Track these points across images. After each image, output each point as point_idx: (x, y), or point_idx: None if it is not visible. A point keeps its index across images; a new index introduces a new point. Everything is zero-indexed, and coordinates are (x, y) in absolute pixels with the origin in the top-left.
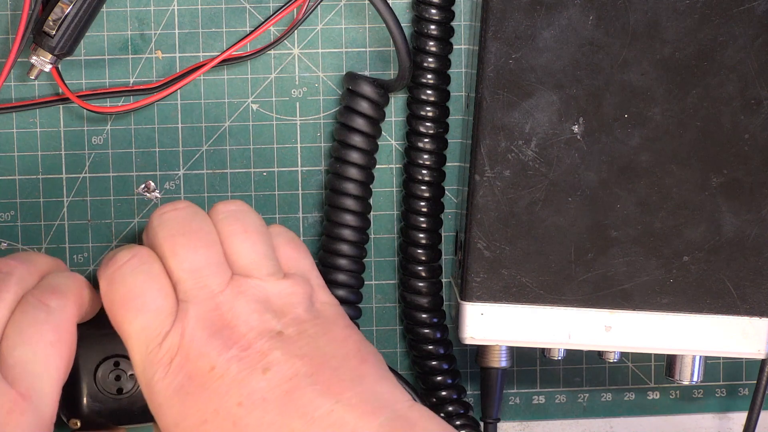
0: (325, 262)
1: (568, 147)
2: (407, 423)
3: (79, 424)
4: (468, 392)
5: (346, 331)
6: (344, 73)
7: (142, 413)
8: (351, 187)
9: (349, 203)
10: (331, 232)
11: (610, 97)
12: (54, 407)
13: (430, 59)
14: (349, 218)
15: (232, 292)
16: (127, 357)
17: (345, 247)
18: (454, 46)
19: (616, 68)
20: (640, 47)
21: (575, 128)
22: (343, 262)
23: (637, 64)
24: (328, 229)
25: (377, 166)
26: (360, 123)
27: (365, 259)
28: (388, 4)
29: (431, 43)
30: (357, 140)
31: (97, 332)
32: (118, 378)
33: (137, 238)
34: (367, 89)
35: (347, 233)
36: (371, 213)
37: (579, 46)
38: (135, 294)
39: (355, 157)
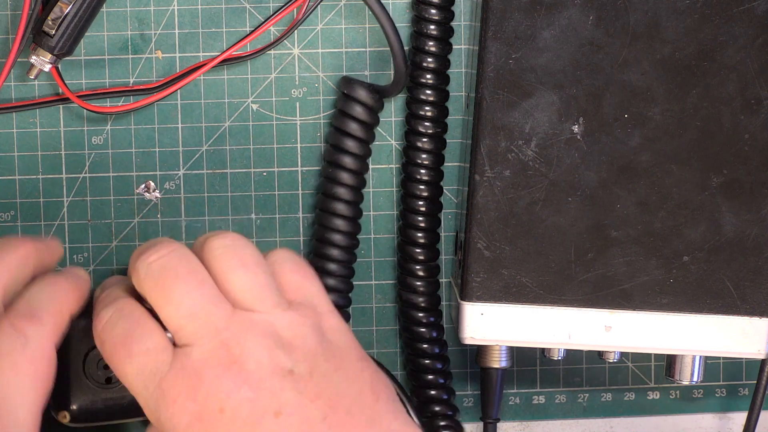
0: (315, 266)
1: (568, 147)
2: None
3: (68, 416)
4: (468, 392)
5: (359, 363)
6: (343, 73)
7: (132, 406)
8: (343, 192)
9: (341, 207)
10: (322, 236)
11: (610, 97)
12: None
13: (430, 59)
14: (340, 223)
15: (238, 328)
16: None
17: (335, 252)
18: (454, 46)
19: (616, 68)
20: (640, 47)
21: (575, 128)
22: (332, 266)
23: (637, 64)
24: (318, 232)
25: (377, 167)
26: (354, 128)
27: (364, 259)
28: (386, 11)
29: (431, 43)
30: (350, 145)
31: (85, 321)
32: (107, 367)
33: (137, 238)
34: (362, 94)
35: (338, 238)
36: (369, 213)
37: (579, 46)
38: (123, 342)
39: (347, 161)
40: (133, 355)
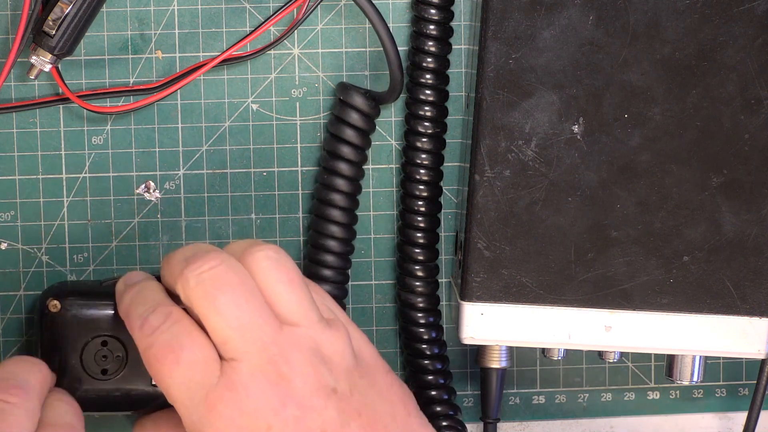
0: (309, 271)
1: (568, 147)
2: None
3: None
4: (468, 392)
5: (388, 377)
6: (343, 73)
7: (125, 398)
8: (338, 198)
9: (336, 214)
10: (316, 242)
11: (610, 97)
12: None
13: (429, 59)
14: (334, 229)
15: (285, 344)
16: (115, 337)
17: (330, 258)
18: (454, 47)
19: (616, 68)
20: (640, 47)
21: (575, 128)
22: (327, 272)
23: (637, 64)
24: (313, 238)
25: (377, 167)
26: (349, 134)
27: (364, 259)
28: (382, 17)
29: (430, 43)
30: (346, 151)
31: (86, 312)
32: (104, 358)
33: (137, 238)
34: (358, 100)
35: (332, 244)
36: (369, 213)
37: (579, 46)
38: (171, 349)
39: (343, 168)
40: (181, 363)
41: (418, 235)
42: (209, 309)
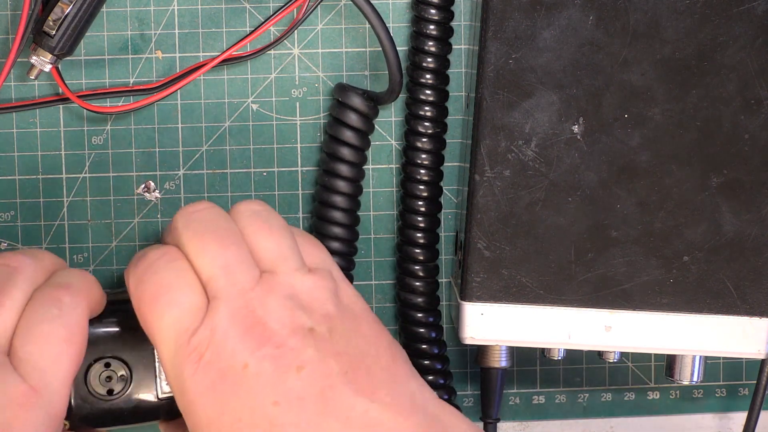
0: None
1: (568, 147)
2: (440, 424)
3: (68, 424)
4: (468, 392)
5: (375, 327)
6: (344, 73)
7: (132, 414)
8: (339, 200)
9: (337, 215)
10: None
11: (610, 97)
12: (64, 404)
13: (429, 59)
14: (337, 231)
15: (262, 289)
16: (119, 359)
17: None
18: (454, 47)
19: (616, 68)
20: (640, 47)
21: (575, 128)
22: None
23: (637, 64)
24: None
25: (377, 166)
26: (348, 135)
27: (364, 259)
28: (381, 19)
29: (430, 43)
30: (345, 153)
31: (90, 333)
32: (109, 379)
33: (137, 238)
34: (356, 101)
35: (335, 246)
36: (369, 213)
37: (579, 46)
38: (165, 290)
39: (343, 169)
40: (173, 305)
41: (418, 235)
42: (197, 246)
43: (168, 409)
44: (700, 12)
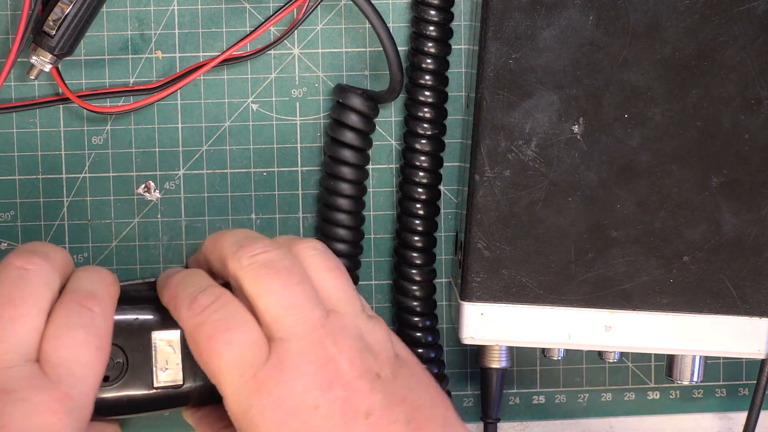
0: None
1: (568, 147)
2: None
3: None
4: (468, 392)
5: (425, 373)
6: (344, 73)
7: (127, 405)
8: (344, 202)
9: (342, 218)
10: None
11: (610, 97)
12: (91, 409)
13: (429, 60)
14: (343, 233)
15: (333, 328)
16: (116, 345)
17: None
18: (454, 47)
19: (616, 68)
20: (640, 47)
21: (575, 128)
22: None
23: (637, 64)
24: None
25: (377, 167)
26: (350, 137)
27: (364, 259)
28: (381, 18)
29: (430, 44)
30: (347, 154)
31: None
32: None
33: (137, 238)
34: (356, 102)
35: (342, 247)
36: (369, 213)
37: (579, 46)
38: (223, 329)
39: (346, 171)
40: (233, 343)
41: (416, 238)
42: (261, 289)
43: (166, 400)
44: (700, 12)
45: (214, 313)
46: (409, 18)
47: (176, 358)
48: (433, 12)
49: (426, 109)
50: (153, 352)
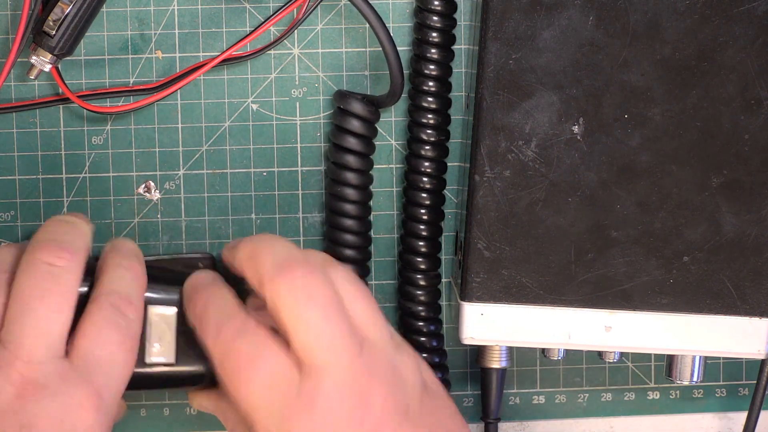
0: None
1: (568, 147)
2: None
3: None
4: (468, 392)
5: (448, 402)
6: (343, 73)
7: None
8: (350, 208)
9: (350, 223)
10: (333, 252)
11: (610, 97)
12: (116, 411)
13: (432, 66)
14: (350, 238)
15: (368, 361)
16: None
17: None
18: (454, 47)
19: (616, 68)
20: (640, 47)
21: (575, 128)
22: None
23: (637, 65)
24: (329, 249)
25: (378, 167)
26: (352, 142)
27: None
28: (381, 21)
29: (433, 51)
30: (351, 160)
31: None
32: None
33: (137, 238)
34: (357, 107)
35: (350, 253)
36: (372, 217)
37: (579, 47)
38: (252, 357)
39: (350, 177)
40: (261, 372)
41: (421, 243)
42: (299, 319)
43: (159, 379)
44: (700, 12)
45: (241, 342)
46: (409, 18)
47: (170, 336)
48: (436, 18)
49: (430, 116)
50: (148, 327)
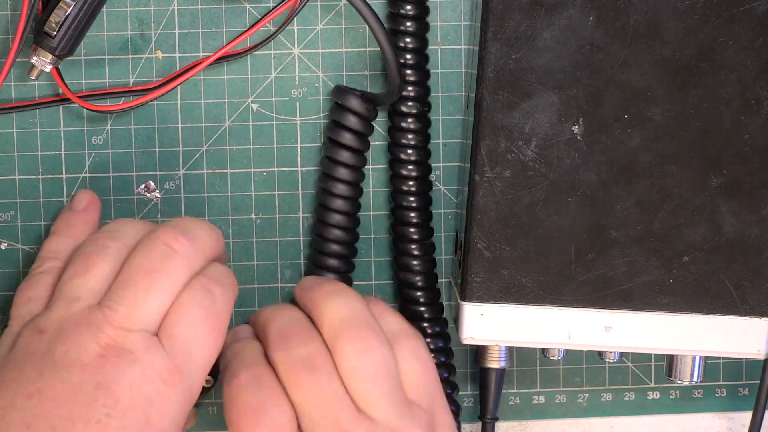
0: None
1: (568, 147)
2: None
3: (212, 382)
4: (468, 392)
5: None
6: (344, 73)
7: None
8: (340, 204)
9: (339, 219)
10: (321, 247)
11: (610, 97)
12: (199, 388)
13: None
14: (338, 233)
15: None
16: None
17: (333, 262)
18: (454, 47)
19: (616, 68)
20: (640, 47)
21: (575, 128)
22: (331, 276)
23: (637, 65)
24: (317, 243)
25: (375, 166)
26: (348, 138)
27: (363, 259)
28: (380, 21)
29: (408, 56)
30: (345, 155)
31: None
32: None
33: None
34: (354, 103)
35: (337, 248)
36: (369, 213)
37: (579, 47)
38: (255, 410)
39: (343, 172)
40: (260, 426)
41: (411, 214)
42: (293, 385)
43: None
44: (700, 12)
45: (248, 392)
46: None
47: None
48: (409, 23)
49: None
50: None
